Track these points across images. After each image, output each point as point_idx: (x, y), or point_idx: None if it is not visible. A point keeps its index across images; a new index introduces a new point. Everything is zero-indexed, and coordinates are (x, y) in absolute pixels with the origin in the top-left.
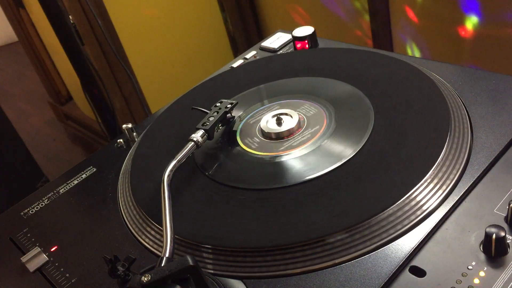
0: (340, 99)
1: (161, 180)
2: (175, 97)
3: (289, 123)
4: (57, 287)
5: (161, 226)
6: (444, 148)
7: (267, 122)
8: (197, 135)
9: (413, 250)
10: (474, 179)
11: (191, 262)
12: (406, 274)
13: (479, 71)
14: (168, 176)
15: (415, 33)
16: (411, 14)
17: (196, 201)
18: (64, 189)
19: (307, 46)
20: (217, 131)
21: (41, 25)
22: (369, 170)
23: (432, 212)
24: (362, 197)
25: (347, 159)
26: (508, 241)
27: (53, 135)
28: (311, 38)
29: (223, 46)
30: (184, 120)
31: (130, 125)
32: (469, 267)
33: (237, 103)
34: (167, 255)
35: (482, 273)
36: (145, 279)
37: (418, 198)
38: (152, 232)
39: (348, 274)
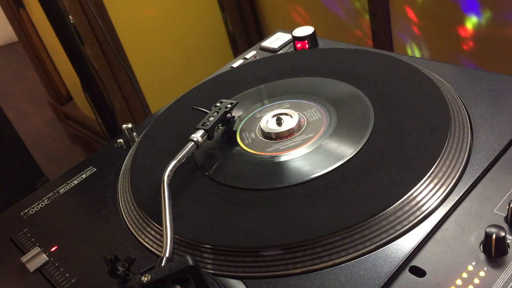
0: (340, 99)
1: (161, 180)
2: (175, 97)
3: (289, 123)
4: (57, 287)
5: (161, 226)
6: (444, 148)
7: (267, 122)
8: (197, 135)
9: (413, 250)
10: (474, 179)
11: (191, 262)
12: (406, 274)
13: (479, 71)
14: (168, 176)
15: (415, 33)
16: (411, 14)
17: (196, 201)
18: (64, 189)
19: (307, 46)
20: (217, 131)
21: (41, 25)
22: (369, 170)
23: (432, 212)
24: (362, 197)
25: (347, 159)
26: (508, 241)
27: (53, 135)
28: (311, 38)
29: (223, 46)
30: (184, 120)
31: (130, 125)
32: (469, 267)
33: (237, 103)
34: (167, 255)
35: (482, 273)
36: (145, 279)
37: (418, 198)
38: (152, 232)
39: (348, 274)
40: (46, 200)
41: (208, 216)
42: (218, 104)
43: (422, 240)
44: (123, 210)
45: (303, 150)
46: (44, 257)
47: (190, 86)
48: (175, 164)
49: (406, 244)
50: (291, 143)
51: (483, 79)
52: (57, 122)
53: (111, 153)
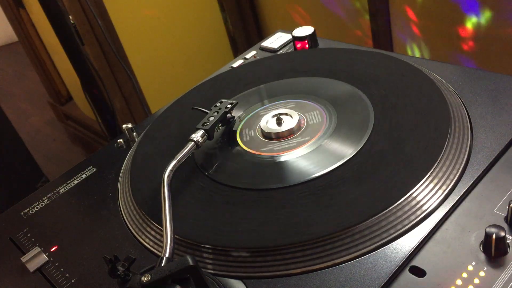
0: (340, 99)
1: (161, 180)
2: (175, 97)
3: (289, 123)
4: (57, 287)
5: (161, 226)
6: (444, 148)
7: (267, 122)
8: (197, 135)
9: (413, 250)
10: (474, 179)
11: (191, 262)
12: (406, 274)
13: (479, 71)
14: (168, 176)
15: (415, 33)
16: (411, 14)
17: (196, 201)
18: (64, 189)
19: (307, 46)
20: (217, 131)
21: (41, 25)
22: (369, 170)
23: (432, 212)
24: (362, 197)
25: (347, 159)
26: (508, 241)
27: (53, 135)
28: (311, 38)
29: (223, 46)
30: (184, 120)
31: (130, 125)
32: (469, 267)
33: (237, 103)
34: (167, 255)
35: (482, 273)
36: (145, 279)
37: (418, 198)
38: (152, 232)
39: (348, 274)
40: (46, 200)
41: (208, 216)
42: (218, 104)
43: (422, 240)
44: (123, 210)
45: (303, 150)
46: (44, 257)
47: (190, 86)
48: (175, 164)
49: (406, 244)
50: (291, 143)
51: (483, 79)
52: (57, 122)
53: (111, 153)
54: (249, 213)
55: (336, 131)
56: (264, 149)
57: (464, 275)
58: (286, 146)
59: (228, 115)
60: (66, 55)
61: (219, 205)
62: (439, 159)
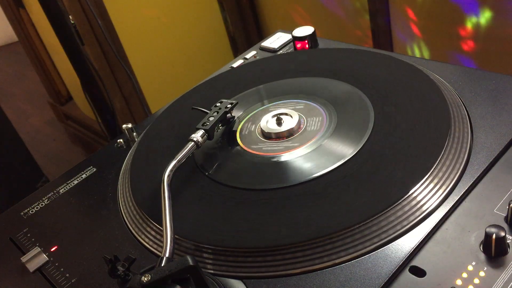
0: (340, 99)
1: (161, 180)
2: (175, 97)
3: (289, 123)
4: (57, 287)
5: (161, 226)
6: (444, 148)
7: (267, 122)
8: (197, 135)
9: (413, 250)
10: (474, 179)
11: (191, 262)
12: (406, 274)
13: (479, 71)
14: (168, 176)
15: (415, 33)
16: (411, 14)
17: (196, 201)
18: (64, 189)
19: (307, 46)
20: (217, 131)
21: (41, 25)
22: (369, 170)
23: (432, 212)
24: (362, 197)
25: (347, 159)
26: (508, 241)
27: (53, 135)
28: (311, 38)
29: (223, 46)
30: (184, 120)
31: (130, 125)
32: (469, 267)
33: (237, 103)
34: (167, 255)
35: (482, 273)
36: (145, 279)
37: (418, 198)
38: (152, 232)
39: (348, 274)
40: (46, 200)
41: (208, 216)
42: (218, 104)
43: (422, 240)
44: (123, 210)
45: (303, 150)
46: (44, 257)
47: (190, 86)
48: (175, 164)
49: (406, 244)
50: (291, 143)
51: (483, 79)
52: (57, 122)
53: (111, 153)
54: (249, 213)
55: (336, 131)
56: (264, 149)
57: (464, 275)
58: (286, 146)
59: (228, 115)
60: (66, 55)
61: (219, 205)
62: (439, 159)
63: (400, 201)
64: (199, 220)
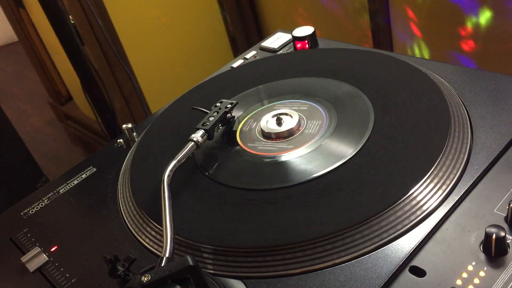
0: (340, 99)
1: (161, 180)
2: (175, 97)
3: (289, 123)
4: (57, 287)
5: (161, 226)
6: (444, 148)
7: (267, 122)
8: (197, 135)
9: (413, 250)
10: (474, 179)
11: (191, 262)
12: (406, 274)
13: (479, 71)
14: (168, 176)
15: (415, 33)
16: (411, 14)
17: (196, 201)
18: (64, 189)
19: (307, 46)
20: (217, 131)
21: (41, 25)
22: (369, 170)
23: (432, 212)
24: (362, 197)
25: (347, 159)
26: (508, 241)
27: (53, 135)
28: (311, 38)
29: (223, 46)
30: (184, 120)
31: (130, 125)
32: (469, 267)
33: (237, 103)
34: (167, 255)
35: (482, 273)
36: (145, 279)
37: (418, 198)
38: (152, 232)
39: (348, 274)
40: (46, 200)
41: (208, 216)
42: (218, 104)
43: (422, 240)
44: (123, 210)
45: (303, 150)
46: (44, 257)
47: (190, 86)
48: (175, 164)
49: (406, 244)
50: (291, 143)
51: (483, 79)
52: (57, 122)
53: (111, 153)
54: (249, 213)
55: (336, 131)
56: (264, 149)
57: (464, 275)
58: (286, 146)
59: (228, 115)
60: (66, 55)
61: (219, 205)
62: (439, 159)
63: (400, 201)
64: (199, 220)
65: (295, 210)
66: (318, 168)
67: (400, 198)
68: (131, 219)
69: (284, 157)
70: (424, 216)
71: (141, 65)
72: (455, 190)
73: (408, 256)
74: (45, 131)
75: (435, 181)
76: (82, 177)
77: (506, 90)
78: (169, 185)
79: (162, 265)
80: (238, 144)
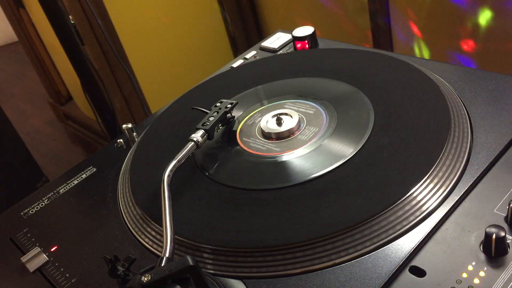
0: (340, 99)
1: (161, 180)
2: (175, 97)
3: (289, 123)
4: (57, 287)
5: (161, 226)
6: (444, 148)
7: (267, 122)
8: (197, 135)
9: (413, 250)
10: (474, 179)
11: (191, 262)
12: (406, 274)
13: (479, 71)
14: (168, 176)
15: (415, 33)
16: (411, 14)
17: (196, 201)
18: (64, 189)
19: (307, 46)
20: (217, 131)
21: (41, 25)
22: (369, 170)
23: (432, 212)
24: (362, 197)
25: (347, 159)
26: (508, 241)
27: (53, 135)
28: (311, 38)
29: (223, 46)
30: (184, 120)
31: (130, 125)
32: (469, 267)
33: (237, 103)
34: (167, 255)
35: (482, 273)
36: (145, 279)
37: (418, 198)
38: (152, 232)
39: (348, 274)
40: (46, 200)
41: (208, 216)
42: (218, 104)
43: (422, 240)
44: (123, 210)
45: (303, 150)
46: (44, 257)
47: (190, 86)
48: (175, 164)
49: (406, 244)
50: (291, 143)
51: (483, 79)
52: (57, 122)
53: (111, 153)
54: (249, 213)
55: (336, 131)
56: (264, 149)
57: (464, 275)
58: (286, 146)
59: (228, 115)
60: (66, 55)
61: (219, 205)
62: (439, 159)
63: (400, 201)
64: (199, 220)
65: (295, 210)
66: (318, 168)
67: (400, 198)
68: (131, 219)
69: (284, 157)
70: (424, 216)
71: (141, 65)
72: (455, 190)
73: (408, 256)
74: (45, 131)
75: (435, 181)
76: (82, 177)
77: (506, 90)
78: (169, 185)
79: (162, 265)
80: (238, 144)
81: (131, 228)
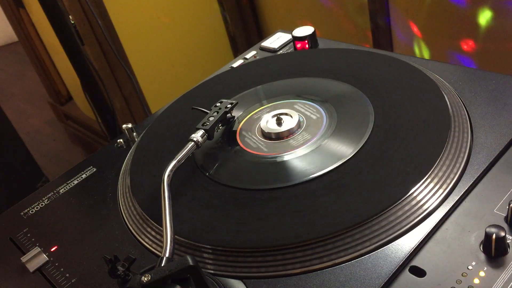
0: (340, 99)
1: (161, 180)
2: (175, 97)
3: (289, 123)
4: (57, 287)
5: (161, 226)
6: (444, 148)
7: (267, 122)
8: (197, 135)
9: (413, 250)
10: (474, 179)
11: (191, 262)
12: (406, 274)
13: (479, 71)
14: (168, 176)
15: (415, 33)
16: (411, 14)
17: (196, 201)
18: (64, 189)
19: (307, 46)
20: (217, 131)
21: (41, 25)
22: (369, 170)
23: (432, 212)
24: (362, 197)
25: (347, 159)
26: (508, 241)
27: (53, 135)
28: (311, 38)
29: (223, 46)
30: (184, 120)
31: (130, 125)
32: (469, 267)
33: (237, 103)
34: (167, 255)
35: (482, 273)
36: (145, 279)
37: (418, 198)
38: (152, 232)
39: (348, 274)
40: (46, 200)
41: (208, 216)
42: (218, 104)
43: (422, 240)
44: (123, 210)
45: (303, 150)
46: (44, 257)
47: (190, 86)
48: (175, 164)
49: (406, 244)
50: (291, 143)
51: (483, 79)
52: (57, 122)
53: (111, 153)
54: (249, 213)
55: (336, 131)
56: (264, 149)
57: (464, 275)
58: (286, 146)
59: (228, 115)
60: (66, 55)
61: (219, 205)
62: (439, 159)
63: (400, 201)
64: (199, 220)
65: (295, 210)
66: (318, 168)
67: (400, 198)
68: (131, 219)
69: (284, 157)
70: (424, 216)
71: (141, 65)
72: (455, 190)
73: (408, 256)
74: (45, 131)
75: (435, 181)
76: (82, 177)
77: (506, 90)
78: (169, 185)
79: (162, 265)
80: (238, 144)
81: (131, 228)
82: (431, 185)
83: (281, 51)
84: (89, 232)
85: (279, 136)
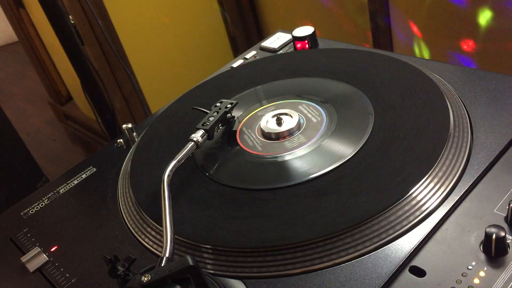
0: (340, 99)
1: (161, 180)
2: (175, 97)
3: (289, 123)
4: (57, 287)
5: (161, 226)
6: (444, 148)
7: (267, 122)
8: (197, 135)
9: (413, 250)
10: (474, 179)
11: (191, 262)
12: (406, 274)
13: (479, 71)
14: (168, 176)
15: (415, 33)
16: (411, 14)
17: (196, 201)
18: (64, 189)
19: (307, 46)
20: (217, 131)
21: (41, 25)
22: (369, 170)
23: (432, 212)
24: (362, 197)
25: (347, 159)
26: (508, 241)
27: (53, 135)
28: (311, 38)
29: (223, 46)
30: (184, 120)
31: (130, 125)
32: (469, 267)
33: (237, 103)
34: (167, 255)
35: (482, 273)
36: (145, 279)
37: (418, 198)
38: (152, 232)
39: (348, 274)
40: (46, 200)
41: (208, 216)
42: (218, 104)
43: (422, 240)
44: (123, 210)
45: (303, 150)
46: (44, 257)
47: (190, 86)
48: (175, 164)
49: (406, 244)
50: (291, 143)
51: (483, 79)
52: (57, 122)
53: (111, 153)
54: (249, 213)
55: (336, 131)
56: (264, 149)
57: (464, 275)
58: (286, 146)
59: (228, 115)
60: (66, 55)
61: (219, 205)
62: (439, 159)
63: (400, 201)
64: (199, 220)
65: (295, 210)
66: (318, 168)
67: (400, 198)
68: (131, 219)
69: (284, 157)
70: (424, 216)
71: (141, 65)
72: (455, 190)
73: (408, 256)
74: (45, 131)
75: (435, 181)
76: (82, 177)
77: (506, 90)
78: (169, 185)
79: (162, 265)
80: (238, 144)
81: (131, 228)
82: (431, 185)
83: (281, 51)
84: (89, 232)
85: (279, 136)
